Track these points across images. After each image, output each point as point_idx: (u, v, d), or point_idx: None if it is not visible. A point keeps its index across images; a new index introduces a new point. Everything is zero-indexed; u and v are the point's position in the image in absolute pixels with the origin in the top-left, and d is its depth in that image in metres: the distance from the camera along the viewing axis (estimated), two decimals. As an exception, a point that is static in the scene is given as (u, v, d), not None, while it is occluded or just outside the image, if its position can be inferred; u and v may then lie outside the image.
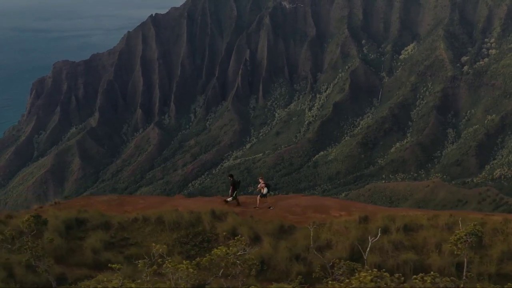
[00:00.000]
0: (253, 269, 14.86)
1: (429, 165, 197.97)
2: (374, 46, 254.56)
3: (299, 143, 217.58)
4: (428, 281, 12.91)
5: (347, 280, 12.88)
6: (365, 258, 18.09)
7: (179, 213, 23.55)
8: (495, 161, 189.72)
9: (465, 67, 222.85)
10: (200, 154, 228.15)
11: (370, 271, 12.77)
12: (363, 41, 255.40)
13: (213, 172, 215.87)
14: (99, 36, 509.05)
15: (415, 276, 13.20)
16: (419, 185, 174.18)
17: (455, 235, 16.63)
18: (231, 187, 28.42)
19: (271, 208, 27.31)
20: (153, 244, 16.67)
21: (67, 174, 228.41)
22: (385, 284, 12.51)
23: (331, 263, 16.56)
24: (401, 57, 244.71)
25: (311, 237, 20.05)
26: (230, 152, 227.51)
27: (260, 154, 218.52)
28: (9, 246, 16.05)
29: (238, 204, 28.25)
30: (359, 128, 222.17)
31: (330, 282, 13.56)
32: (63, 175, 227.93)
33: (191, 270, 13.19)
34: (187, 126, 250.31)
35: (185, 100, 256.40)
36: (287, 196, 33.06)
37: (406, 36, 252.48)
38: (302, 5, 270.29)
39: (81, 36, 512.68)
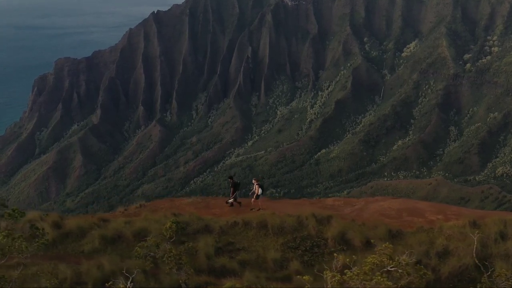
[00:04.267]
0: (424, 279, 12.89)
1: (431, 163, 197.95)
2: (376, 43, 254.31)
3: (301, 141, 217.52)
4: None
5: None
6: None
7: (282, 217, 22.65)
8: (498, 159, 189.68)
9: (468, 65, 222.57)
10: (202, 151, 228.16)
11: None
12: (365, 39, 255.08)
13: (215, 169, 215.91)
14: (99, 33, 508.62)
15: None
16: (422, 183, 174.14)
17: None
18: (231, 189, 28.37)
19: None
20: (262, 248, 15.91)
21: (69, 171, 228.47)
22: None
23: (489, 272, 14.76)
24: (403, 54, 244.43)
25: (426, 243, 19.18)
26: (232, 149, 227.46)
27: (262, 152, 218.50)
28: (152, 253, 15.11)
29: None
30: (361, 125, 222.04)
31: None
32: (65, 172, 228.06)
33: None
34: (189, 124, 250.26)
35: (187, 97, 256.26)
36: (375, 198, 31.56)
37: (408, 33, 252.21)
38: (304, 2, 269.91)
39: (81, 33, 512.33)
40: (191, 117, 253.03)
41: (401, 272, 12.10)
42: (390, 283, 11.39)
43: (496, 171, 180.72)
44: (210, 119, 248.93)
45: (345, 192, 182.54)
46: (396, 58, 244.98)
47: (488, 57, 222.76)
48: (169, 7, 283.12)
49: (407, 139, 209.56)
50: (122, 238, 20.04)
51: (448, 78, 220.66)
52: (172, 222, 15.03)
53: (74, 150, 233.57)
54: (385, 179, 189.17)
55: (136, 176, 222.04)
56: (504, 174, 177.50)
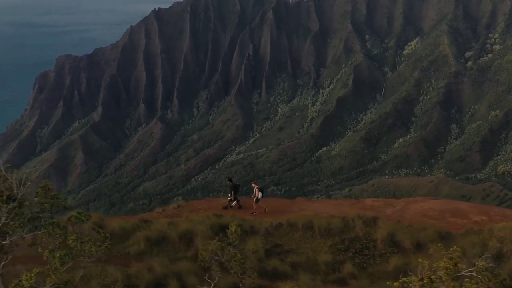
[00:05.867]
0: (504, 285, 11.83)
1: (433, 160, 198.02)
2: (378, 41, 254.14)
3: (302, 139, 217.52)
4: None
5: None
6: None
7: (327, 218, 22.33)
8: (499, 157, 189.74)
9: (469, 63, 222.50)
10: (203, 149, 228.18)
11: None
12: (367, 36, 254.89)
13: (216, 167, 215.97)
14: (99, 31, 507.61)
15: None
16: (423, 180, 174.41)
17: None
18: (231, 191, 28.11)
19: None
20: (310, 250, 15.51)
21: (70, 169, 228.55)
22: None
23: None
24: (405, 52, 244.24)
25: (479, 245, 18.74)
26: (233, 147, 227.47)
27: (263, 149, 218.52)
28: (218, 257, 14.74)
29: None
30: (362, 123, 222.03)
31: None
32: (66, 169, 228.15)
33: None
34: (190, 121, 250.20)
35: (188, 95, 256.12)
36: (415, 199, 31.03)
37: (409, 31, 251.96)
38: (305, 0, 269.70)
39: (81, 31, 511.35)
40: (192, 115, 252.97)
41: (479, 277, 10.98)
42: None
43: (498, 169, 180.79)
44: (211, 117, 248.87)
45: (346, 190, 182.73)
46: (398, 56, 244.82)
47: (490, 55, 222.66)
48: (170, 5, 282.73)
49: (408, 137, 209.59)
50: (166, 239, 19.88)
51: (449, 76, 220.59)
52: (237, 226, 14.71)
53: (75, 147, 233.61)
54: (387, 177, 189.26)
55: (137, 174, 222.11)
56: (506, 172, 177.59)
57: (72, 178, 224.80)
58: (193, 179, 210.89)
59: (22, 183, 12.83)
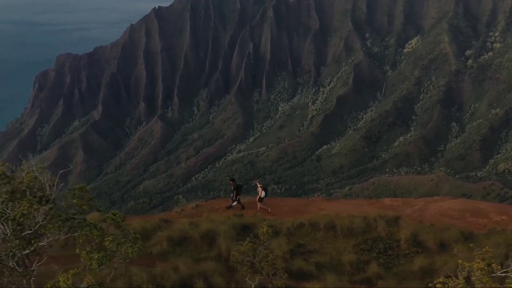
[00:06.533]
0: None
1: (433, 159, 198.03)
2: (378, 39, 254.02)
3: (303, 137, 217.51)
4: None
5: None
6: None
7: (349, 218, 22.28)
8: (499, 155, 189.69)
9: (469, 61, 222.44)
10: (203, 147, 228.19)
11: None
12: (367, 35, 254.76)
13: (217, 165, 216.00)
14: (99, 29, 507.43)
15: None
16: (423, 179, 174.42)
17: None
18: (234, 191, 27.94)
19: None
20: (334, 250, 15.18)
21: (70, 167, 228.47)
22: None
23: None
24: (405, 50, 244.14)
25: (503, 245, 18.55)
26: (233, 145, 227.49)
27: (264, 148, 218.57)
28: (250, 258, 14.65)
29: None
30: (362, 122, 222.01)
31: None
32: (66, 168, 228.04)
33: None
34: (190, 120, 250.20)
35: (188, 93, 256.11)
36: (434, 199, 30.81)
37: (410, 29, 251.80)
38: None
39: (81, 30, 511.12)
40: (193, 113, 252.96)
41: None
42: None
43: (498, 167, 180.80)
44: (211, 115, 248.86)
45: (347, 188, 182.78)
46: (398, 54, 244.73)
47: (490, 53, 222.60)
48: (171, 3, 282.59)
49: (409, 135, 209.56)
50: (188, 239, 19.89)
51: (449, 74, 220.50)
52: (268, 226, 14.66)
53: (75, 146, 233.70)
54: (387, 175, 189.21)
55: (138, 172, 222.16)
56: (506, 170, 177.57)
57: (72, 177, 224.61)
58: (193, 178, 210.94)
59: (55, 184, 12.93)
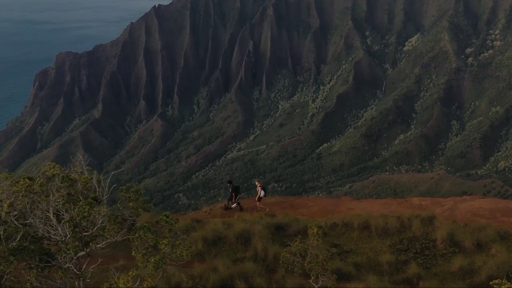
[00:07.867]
0: None
1: (433, 157, 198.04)
2: (378, 37, 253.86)
3: (303, 135, 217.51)
4: None
5: None
6: None
7: (384, 218, 22.02)
8: (500, 153, 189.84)
9: (470, 59, 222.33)
10: (204, 145, 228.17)
11: None
12: (367, 33, 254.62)
13: (217, 163, 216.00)
14: (99, 27, 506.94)
15: None
16: (424, 177, 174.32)
17: None
18: (232, 193, 28.17)
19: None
20: (370, 251, 15.02)
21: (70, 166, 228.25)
22: None
23: None
24: (405, 48, 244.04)
25: None
26: (234, 143, 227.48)
27: (264, 146, 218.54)
28: (299, 258, 14.65)
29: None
30: (363, 120, 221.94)
31: None
32: (66, 166, 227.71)
33: None
34: (191, 118, 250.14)
35: (188, 91, 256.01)
36: (463, 198, 30.49)
37: (410, 27, 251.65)
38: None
39: (81, 28, 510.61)
40: (193, 112, 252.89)
41: None
42: None
43: (498, 165, 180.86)
44: (211, 114, 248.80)
45: (347, 186, 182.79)
46: (398, 52, 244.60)
47: (490, 51, 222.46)
48: (170, 1, 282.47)
49: (409, 133, 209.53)
50: (223, 240, 19.88)
51: (450, 72, 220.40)
52: (319, 228, 14.64)
53: (75, 144, 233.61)
54: (387, 173, 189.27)
55: (138, 171, 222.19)
56: (506, 168, 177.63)
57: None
58: (193, 176, 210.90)
59: (107, 185, 13.00)
